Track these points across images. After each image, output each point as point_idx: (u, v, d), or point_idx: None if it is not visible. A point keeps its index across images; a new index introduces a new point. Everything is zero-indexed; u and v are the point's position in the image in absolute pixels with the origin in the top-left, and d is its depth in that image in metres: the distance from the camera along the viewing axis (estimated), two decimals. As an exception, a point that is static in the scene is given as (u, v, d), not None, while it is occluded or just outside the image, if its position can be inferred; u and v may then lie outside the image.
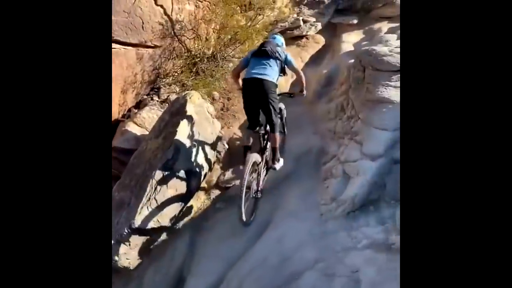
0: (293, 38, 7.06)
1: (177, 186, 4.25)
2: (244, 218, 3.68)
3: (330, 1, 7.75)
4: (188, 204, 4.51)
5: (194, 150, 4.52)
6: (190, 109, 4.65)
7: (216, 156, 4.93)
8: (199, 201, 4.74)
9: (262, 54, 3.95)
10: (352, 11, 7.54)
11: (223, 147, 5.07)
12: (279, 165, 4.13)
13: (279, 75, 4.08)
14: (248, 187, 3.80)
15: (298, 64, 5.82)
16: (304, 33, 7.09)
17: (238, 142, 5.15)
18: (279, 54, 3.97)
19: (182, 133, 4.46)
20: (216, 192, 4.86)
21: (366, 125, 4.34)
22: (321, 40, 7.08)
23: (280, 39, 4.35)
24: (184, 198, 4.33)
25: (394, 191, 3.76)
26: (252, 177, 3.91)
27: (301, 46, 6.94)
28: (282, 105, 4.55)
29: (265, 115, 3.96)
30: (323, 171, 4.50)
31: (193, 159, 4.46)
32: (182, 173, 4.30)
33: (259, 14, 6.54)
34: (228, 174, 4.91)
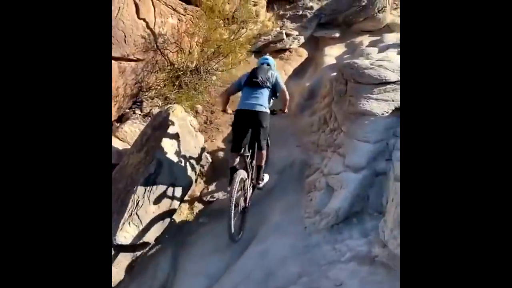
0: (276, 51, 7.14)
1: (159, 201, 4.19)
2: (234, 235, 3.79)
3: (312, 15, 7.89)
4: (171, 219, 4.44)
5: (176, 164, 4.47)
6: (172, 123, 4.62)
7: (200, 170, 4.88)
8: (182, 216, 4.67)
9: (254, 84, 4.10)
10: (334, 25, 7.67)
11: (206, 160, 5.03)
12: (263, 183, 4.31)
13: (272, 99, 4.30)
14: (236, 204, 3.84)
15: (282, 77, 5.92)
16: (287, 46, 7.18)
17: (221, 155, 5.12)
18: (270, 82, 4.15)
19: (165, 147, 4.42)
20: (199, 207, 4.81)
21: (348, 137, 4.37)
22: (304, 53, 7.17)
23: (271, 62, 4.54)
24: (166, 213, 4.26)
25: (376, 203, 3.78)
26: (239, 194, 3.97)
27: (284, 59, 7.01)
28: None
29: (255, 138, 4.08)
30: (306, 184, 4.50)
31: (176, 173, 4.41)
32: (164, 188, 4.25)
33: (242, 28, 6.59)
34: (212, 188, 4.87)
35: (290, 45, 7.19)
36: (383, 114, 4.35)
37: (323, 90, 5.84)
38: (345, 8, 7.53)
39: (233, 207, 3.66)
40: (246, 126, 4.06)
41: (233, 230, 3.73)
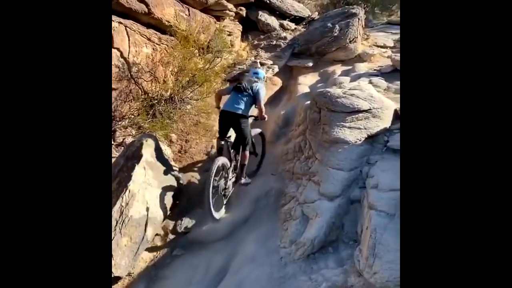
0: (251, 80, 7.19)
1: (131, 234, 4.06)
2: (214, 215, 4.31)
3: (286, 45, 8.07)
4: (144, 252, 4.30)
5: (150, 195, 4.37)
6: (146, 153, 4.54)
7: (173, 201, 4.78)
8: (155, 248, 4.53)
9: (238, 89, 4.79)
10: (308, 55, 7.83)
11: (180, 191, 4.94)
12: (245, 181, 4.86)
13: (252, 106, 4.83)
14: (215, 186, 4.36)
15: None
16: (262, 75, 7.25)
17: (196, 185, 5.04)
18: (251, 90, 4.77)
19: (138, 177, 4.33)
20: (173, 238, 4.67)
21: (323, 165, 4.39)
22: (278, 82, 7.26)
23: (261, 75, 5.09)
24: (139, 246, 4.13)
25: (352, 231, 3.78)
26: (219, 177, 4.51)
27: (259, 87, 7.07)
28: (258, 130, 5.40)
29: (238, 138, 4.75)
30: (282, 213, 4.46)
31: (148, 204, 4.31)
32: (137, 219, 4.13)
33: (217, 57, 6.65)
34: (186, 218, 4.76)
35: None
36: (356, 142, 4.41)
37: (297, 118, 5.90)
38: (317, 38, 7.72)
39: (210, 187, 4.17)
40: (227, 123, 4.75)
41: (213, 210, 4.26)
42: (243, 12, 8.39)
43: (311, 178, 4.46)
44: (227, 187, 4.63)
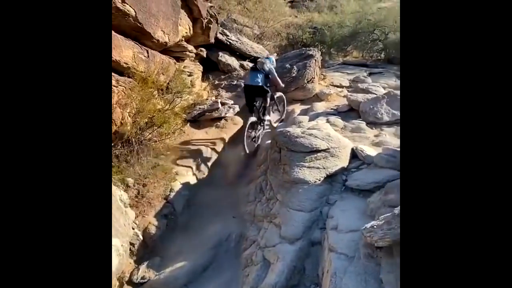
0: (212, 119, 7.19)
1: None
2: (247, 150, 5.92)
3: (246, 85, 8.17)
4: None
5: (103, 244, 4.13)
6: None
7: (129, 249, 4.54)
8: (109, 302, 4.23)
9: (254, 69, 6.27)
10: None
11: (137, 238, 4.70)
12: (267, 117, 6.55)
13: (267, 79, 6.22)
14: (248, 136, 6.04)
15: (219, 145, 6.61)
16: (222, 115, 7.26)
17: (153, 231, 4.82)
18: (263, 69, 6.17)
19: (90, 226, 4.08)
20: (129, 290, 4.40)
21: (283, 206, 4.35)
22: (240, 121, 7.28)
23: (270, 59, 6.53)
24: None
25: (313, 275, 3.70)
26: (252, 130, 6.18)
27: (220, 127, 7.07)
28: (280, 93, 6.94)
29: (262, 101, 6.29)
30: (243, 258, 4.33)
31: (102, 254, 4.06)
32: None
33: (177, 97, 6.61)
34: (143, 268, 4.50)
35: (225, 113, 7.28)
36: (315, 181, 4.42)
37: (258, 158, 5.90)
38: (277, 78, 7.89)
39: (245, 137, 5.87)
40: (251, 94, 6.23)
41: (247, 151, 5.92)
42: (204, 53, 8.48)
43: (272, 221, 4.40)
44: (256, 136, 6.33)
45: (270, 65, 6.28)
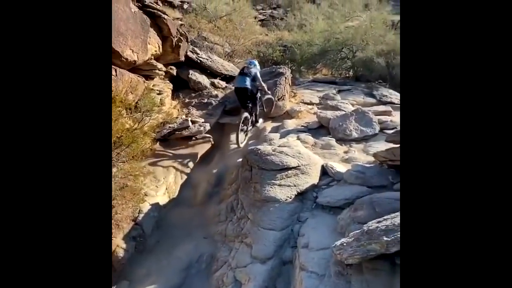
0: (183, 138, 7.09)
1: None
2: (240, 144, 6.58)
3: (217, 102, 8.15)
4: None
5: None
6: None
7: (96, 274, 4.36)
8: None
9: (242, 73, 6.72)
10: (239, 112, 7.94)
11: (104, 262, 4.53)
12: (259, 124, 7.30)
13: (253, 83, 6.62)
14: (241, 130, 6.63)
15: (190, 164, 6.48)
16: (193, 133, 7.18)
17: (121, 255, 4.64)
18: (250, 73, 6.62)
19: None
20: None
21: (255, 225, 4.31)
22: (210, 139, 7.22)
23: (254, 63, 6.95)
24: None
25: (285, 295, 3.66)
26: (244, 123, 6.71)
27: (191, 146, 6.97)
28: (269, 96, 7.44)
29: (250, 101, 6.71)
30: (214, 280, 4.24)
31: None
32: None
33: (146, 116, 6.50)
34: (111, 293, 4.34)
35: (196, 132, 7.21)
36: (286, 199, 4.42)
37: (229, 176, 5.85)
38: (248, 96, 7.92)
39: (239, 129, 6.49)
40: (240, 96, 6.70)
41: (240, 141, 6.58)
42: (174, 71, 8.41)
43: (243, 240, 4.34)
44: (248, 129, 6.95)
45: (255, 69, 6.75)
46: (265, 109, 7.56)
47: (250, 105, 6.78)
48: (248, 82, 6.60)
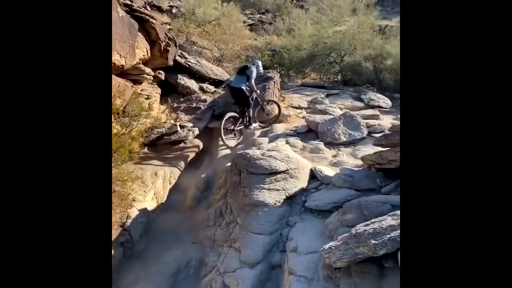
0: (171, 143, 7.05)
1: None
2: (226, 143, 6.74)
3: (206, 107, 8.13)
4: None
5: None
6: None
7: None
8: None
9: (239, 72, 7.02)
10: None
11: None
12: (252, 127, 7.21)
13: (247, 82, 6.80)
14: (225, 128, 6.74)
15: (178, 169, 6.46)
16: (181, 138, 7.15)
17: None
18: (247, 74, 6.80)
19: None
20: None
21: (243, 230, 4.30)
22: (199, 144, 7.20)
23: (257, 63, 7.28)
24: None
25: (274, 300, 3.65)
26: (229, 123, 6.90)
27: (179, 150, 6.94)
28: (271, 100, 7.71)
29: (243, 101, 6.94)
30: (202, 285, 4.21)
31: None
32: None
33: (134, 121, 6.46)
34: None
35: (184, 136, 7.18)
36: (275, 203, 4.41)
37: (218, 181, 5.83)
38: (236, 100, 7.92)
39: (222, 131, 6.60)
40: (235, 94, 6.92)
41: (225, 141, 6.68)
42: (162, 75, 8.39)
43: (232, 245, 4.32)
44: (235, 129, 7.00)
45: (253, 69, 6.92)
46: (265, 111, 7.56)
47: (242, 103, 6.92)
48: (242, 82, 6.78)
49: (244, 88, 6.77)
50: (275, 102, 7.71)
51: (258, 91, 7.12)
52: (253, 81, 6.86)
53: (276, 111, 7.67)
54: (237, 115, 6.95)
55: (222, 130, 6.56)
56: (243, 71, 6.93)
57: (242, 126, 7.16)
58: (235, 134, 7.04)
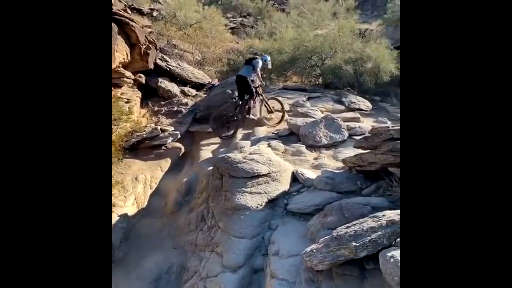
0: (152, 147, 6.97)
1: None
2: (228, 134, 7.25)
3: (187, 110, 8.09)
4: None
5: None
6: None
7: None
8: None
9: (246, 63, 7.47)
10: (209, 120, 7.89)
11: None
12: (251, 116, 7.52)
13: (253, 73, 7.32)
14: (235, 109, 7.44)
15: (159, 173, 6.44)
16: (163, 142, 7.07)
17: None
18: (253, 64, 7.30)
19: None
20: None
21: (225, 234, 4.27)
22: (181, 148, 7.13)
23: (266, 58, 7.76)
24: None
25: (256, 304, 3.63)
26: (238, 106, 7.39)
27: (160, 155, 6.87)
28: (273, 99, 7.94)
29: (245, 90, 7.35)
30: (184, 291, 4.17)
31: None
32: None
33: (114, 125, 6.36)
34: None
35: (165, 140, 7.11)
36: (257, 207, 4.40)
37: (200, 185, 5.78)
38: (218, 104, 7.88)
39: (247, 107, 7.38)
40: (239, 84, 7.34)
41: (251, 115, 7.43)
42: (143, 79, 8.31)
43: (214, 249, 4.29)
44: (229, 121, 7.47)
45: (260, 60, 7.44)
46: (268, 108, 7.72)
47: (245, 92, 7.32)
48: (248, 72, 7.27)
49: (248, 77, 7.22)
50: (277, 99, 7.80)
51: (262, 82, 7.77)
52: (258, 70, 7.36)
53: (279, 107, 7.65)
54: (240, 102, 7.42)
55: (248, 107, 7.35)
56: (249, 61, 7.40)
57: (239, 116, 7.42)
58: (228, 128, 7.40)
